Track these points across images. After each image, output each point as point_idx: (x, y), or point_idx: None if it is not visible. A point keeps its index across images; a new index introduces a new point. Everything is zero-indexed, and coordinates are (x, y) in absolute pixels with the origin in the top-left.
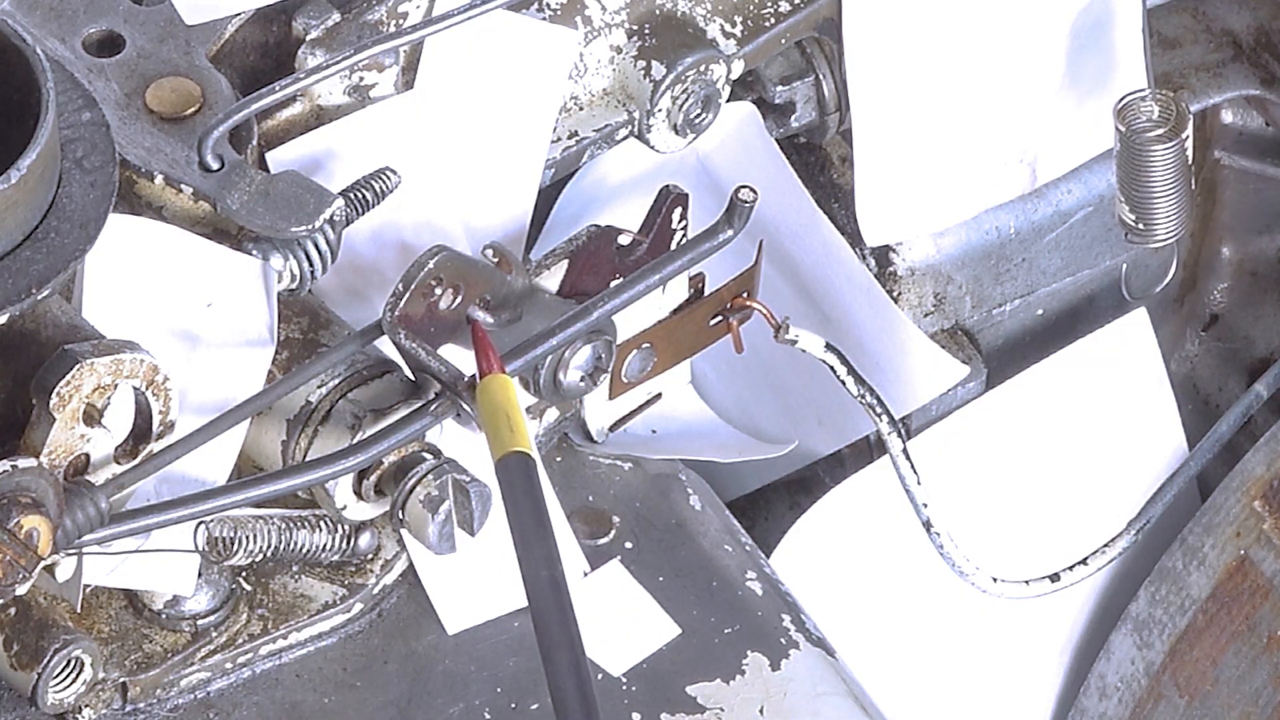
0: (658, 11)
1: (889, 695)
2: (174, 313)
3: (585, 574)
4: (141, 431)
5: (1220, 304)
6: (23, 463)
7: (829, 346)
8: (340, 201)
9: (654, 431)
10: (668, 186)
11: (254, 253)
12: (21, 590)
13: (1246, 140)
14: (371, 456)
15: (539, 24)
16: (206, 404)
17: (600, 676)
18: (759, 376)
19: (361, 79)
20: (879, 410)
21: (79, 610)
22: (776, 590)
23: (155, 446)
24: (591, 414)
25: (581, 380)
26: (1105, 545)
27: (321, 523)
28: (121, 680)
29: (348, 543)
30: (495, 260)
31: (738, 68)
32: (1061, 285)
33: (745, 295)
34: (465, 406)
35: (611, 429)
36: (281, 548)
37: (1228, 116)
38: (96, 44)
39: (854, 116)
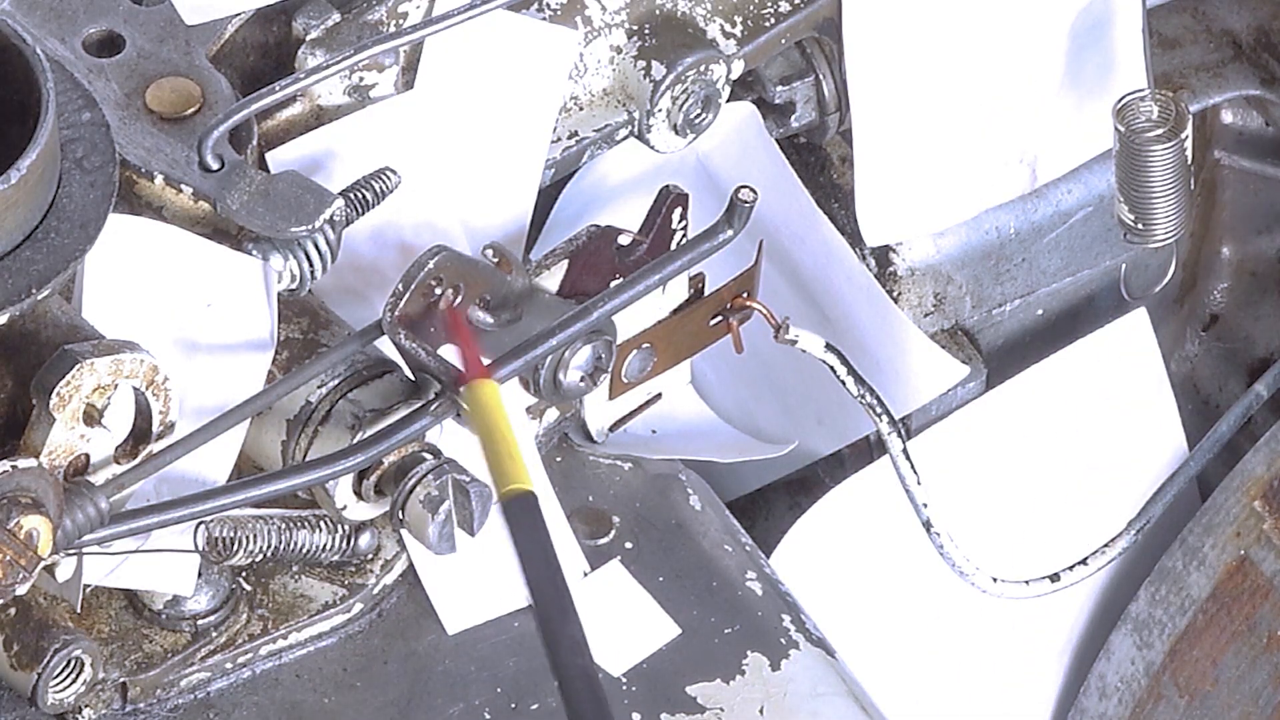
0: (658, 11)
1: (889, 695)
2: (174, 313)
3: (585, 574)
4: (141, 431)
5: (1220, 304)
6: (23, 463)
7: (829, 346)
8: (340, 201)
9: (654, 431)
10: (668, 186)
11: (254, 253)
12: (21, 590)
13: (1246, 140)
14: (371, 456)
15: (539, 24)
16: (206, 404)
17: (600, 677)
18: (759, 376)
19: (361, 79)
20: (879, 410)
21: (79, 610)
22: (776, 590)
23: (155, 446)
24: (591, 414)
25: (581, 380)
26: (1105, 545)
27: (321, 523)
28: (121, 680)
29: (348, 543)
30: (495, 260)
31: (738, 68)
32: (1061, 285)
33: (745, 295)
34: (465, 406)
35: (611, 429)
36: (281, 548)
37: (1228, 116)
38: (96, 44)
39: (854, 116)
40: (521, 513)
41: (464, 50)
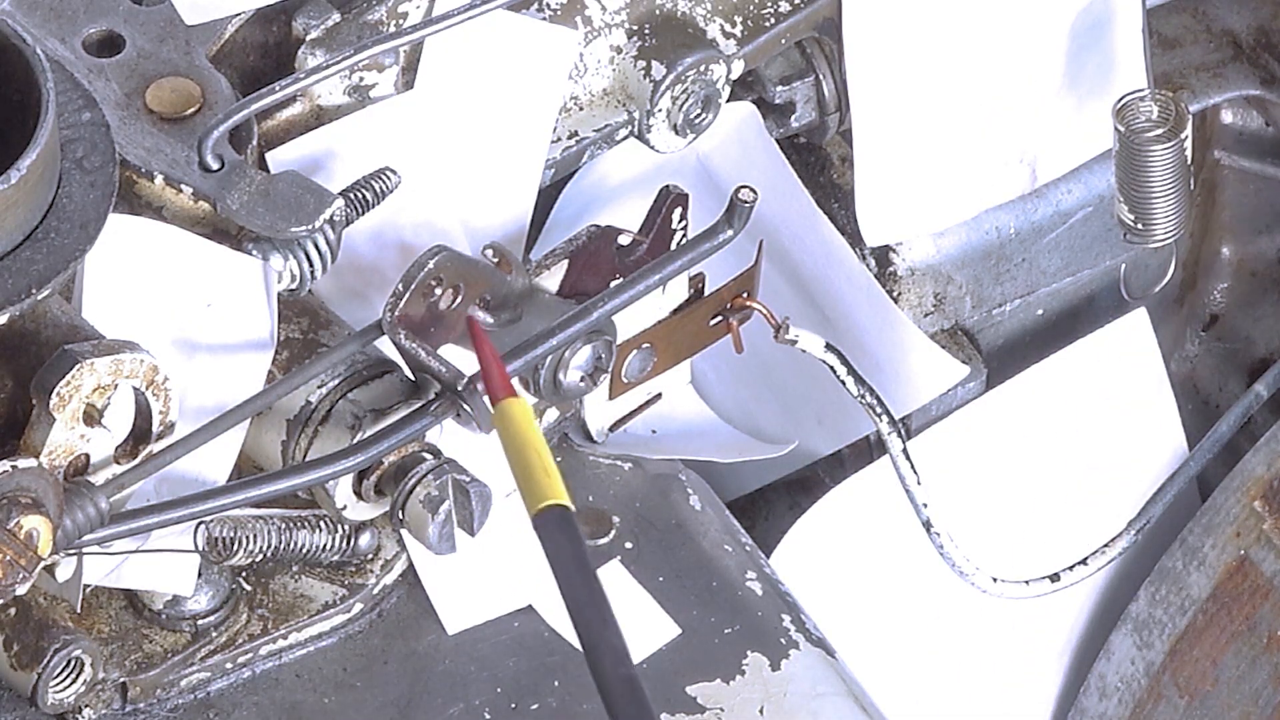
0: (658, 11)
1: (889, 695)
2: (174, 313)
3: None
4: (141, 431)
5: (1220, 304)
6: (23, 463)
7: (829, 346)
8: (340, 201)
9: (654, 431)
10: (668, 186)
11: (254, 253)
12: (21, 590)
13: (1246, 140)
14: (371, 456)
15: (539, 24)
16: (206, 404)
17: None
18: (759, 376)
19: (361, 79)
20: (879, 410)
21: (79, 610)
22: (776, 590)
23: (155, 446)
24: (591, 414)
25: (581, 380)
26: (1105, 545)
27: (321, 523)
28: (121, 680)
29: (348, 543)
30: (495, 260)
31: (738, 68)
32: (1061, 285)
33: (745, 295)
34: (465, 406)
35: (611, 429)
36: (281, 548)
37: (1228, 116)
38: (96, 44)
39: (854, 116)
40: (557, 527)
41: (464, 50)
